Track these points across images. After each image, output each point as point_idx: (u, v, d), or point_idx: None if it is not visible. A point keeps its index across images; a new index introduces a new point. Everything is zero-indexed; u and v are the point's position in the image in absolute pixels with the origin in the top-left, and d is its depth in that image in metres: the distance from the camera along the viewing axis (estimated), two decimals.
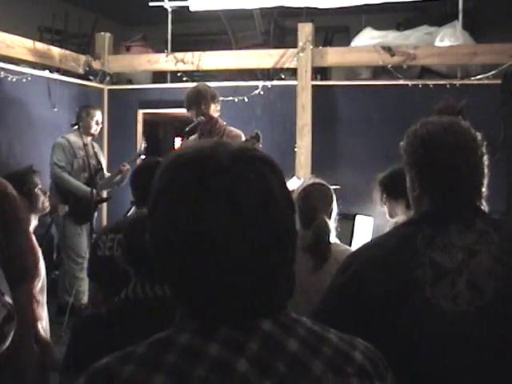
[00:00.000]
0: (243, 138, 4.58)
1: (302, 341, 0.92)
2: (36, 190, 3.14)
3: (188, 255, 0.91)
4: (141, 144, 6.00)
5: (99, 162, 5.69)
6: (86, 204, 5.36)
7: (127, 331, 1.67)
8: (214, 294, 0.91)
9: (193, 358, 0.88)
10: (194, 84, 4.97)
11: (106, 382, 0.89)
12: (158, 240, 0.94)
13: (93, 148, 5.68)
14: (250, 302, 0.92)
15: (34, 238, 3.08)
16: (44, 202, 3.18)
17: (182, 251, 0.91)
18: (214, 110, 4.65)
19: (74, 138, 5.61)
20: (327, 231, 2.78)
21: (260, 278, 0.91)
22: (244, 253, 0.89)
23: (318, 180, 2.98)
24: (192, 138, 4.68)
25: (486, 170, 1.66)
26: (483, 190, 1.66)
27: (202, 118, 4.58)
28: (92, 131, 5.67)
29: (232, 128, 4.70)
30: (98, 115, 5.71)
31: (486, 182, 1.66)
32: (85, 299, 5.40)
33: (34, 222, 3.16)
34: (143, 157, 5.77)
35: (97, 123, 5.69)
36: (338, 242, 2.87)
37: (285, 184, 0.97)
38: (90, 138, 5.70)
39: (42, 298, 3.00)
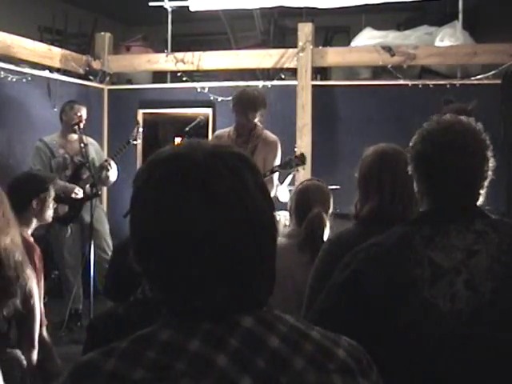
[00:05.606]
0: (279, 145, 4.60)
1: (283, 337, 0.93)
2: (49, 200, 3.20)
3: (164, 247, 0.93)
4: (135, 129, 5.54)
5: (86, 158, 5.23)
6: (70, 203, 5.14)
7: (140, 330, 1.70)
8: (193, 290, 0.92)
9: (172, 353, 0.90)
10: (194, 84, 4.94)
11: (88, 375, 0.91)
12: (137, 234, 0.96)
13: (81, 143, 5.28)
14: (228, 298, 0.93)
15: (32, 239, 3.10)
16: (49, 215, 3.24)
17: (157, 244, 0.93)
18: (258, 115, 4.54)
19: (54, 137, 5.38)
20: (322, 225, 2.75)
21: (237, 273, 0.92)
22: (218, 246, 0.91)
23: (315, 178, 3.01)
24: (222, 131, 4.64)
25: (488, 171, 1.64)
26: (483, 190, 1.66)
27: (202, 117, 4.58)
28: (74, 127, 5.29)
29: (269, 134, 4.68)
30: (82, 111, 5.38)
31: (486, 182, 1.66)
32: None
33: (33, 226, 3.19)
34: (136, 142, 5.55)
35: (80, 119, 5.33)
36: None
37: (262, 182, 0.98)
38: (74, 135, 5.37)
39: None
